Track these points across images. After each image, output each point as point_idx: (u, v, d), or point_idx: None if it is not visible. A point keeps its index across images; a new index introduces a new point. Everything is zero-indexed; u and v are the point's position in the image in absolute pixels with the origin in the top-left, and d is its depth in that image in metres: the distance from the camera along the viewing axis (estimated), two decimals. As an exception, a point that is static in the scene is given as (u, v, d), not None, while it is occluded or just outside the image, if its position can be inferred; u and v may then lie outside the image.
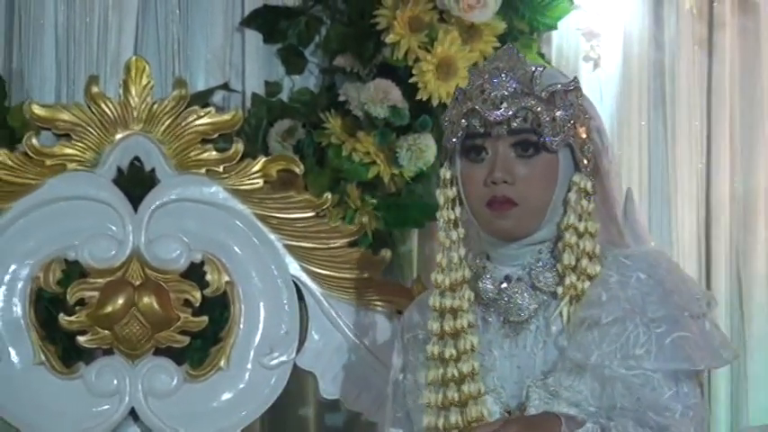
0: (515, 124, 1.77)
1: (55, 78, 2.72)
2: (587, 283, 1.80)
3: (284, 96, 2.69)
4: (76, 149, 2.38)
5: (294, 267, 2.35)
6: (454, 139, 1.80)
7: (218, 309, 2.36)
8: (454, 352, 1.80)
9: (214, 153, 2.39)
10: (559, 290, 1.79)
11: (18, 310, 2.34)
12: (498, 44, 2.57)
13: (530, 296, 1.83)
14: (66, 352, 2.37)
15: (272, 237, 2.34)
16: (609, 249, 1.82)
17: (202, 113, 2.40)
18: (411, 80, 2.55)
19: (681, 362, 1.76)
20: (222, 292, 2.34)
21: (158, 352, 2.34)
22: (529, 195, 1.78)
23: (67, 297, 2.33)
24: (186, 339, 2.33)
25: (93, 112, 2.38)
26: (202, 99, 2.57)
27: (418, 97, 2.55)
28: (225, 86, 2.72)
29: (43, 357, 2.32)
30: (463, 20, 2.56)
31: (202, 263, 2.36)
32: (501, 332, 1.84)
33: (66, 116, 2.38)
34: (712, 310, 1.86)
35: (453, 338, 1.81)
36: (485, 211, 1.79)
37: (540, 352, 1.82)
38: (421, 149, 2.54)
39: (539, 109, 1.78)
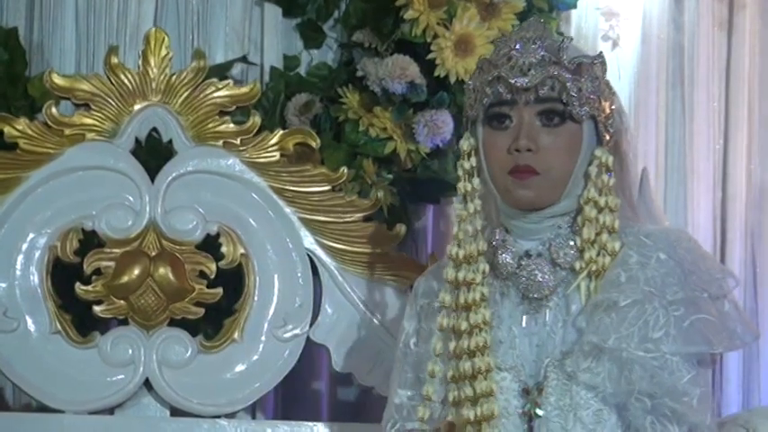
0: (542, 92, 1.75)
1: (75, 49, 2.72)
2: (608, 259, 1.77)
3: (302, 71, 2.68)
4: (95, 119, 2.39)
5: (309, 241, 2.35)
6: (479, 107, 1.78)
7: (233, 281, 2.36)
8: (467, 325, 1.78)
9: (231, 125, 2.40)
10: (578, 265, 1.77)
11: (35, 278, 2.34)
12: (517, 22, 2.55)
13: (550, 272, 1.79)
14: (82, 321, 2.37)
15: (288, 210, 2.35)
16: (630, 227, 1.80)
17: (220, 86, 2.41)
18: (429, 56, 2.53)
19: (699, 345, 1.74)
20: (237, 264, 2.34)
21: (173, 323, 2.34)
22: (551, 165, 1.75)
23: (84, 266, 2.34)
24: (201, 311, 2.34)
25: (112, 83, 2.39)
26: (221, 71, 2.58)
27: (436, 74, 2.53)
28: (243, 59, 2.70)
29: (59, 326, 2.33)
30: None
31: (218, 235, 2.36)
32: (520, 308, 1.81)
33: (85, 86, 2.38)
34: (733, 288, 1.82)
35: (466, 311, 1.78)
36: (506, 179, 1.76)
37: (559, 331, 1.79)
38: (437, 126, 2.50)
39: (566, 78, 1.76)
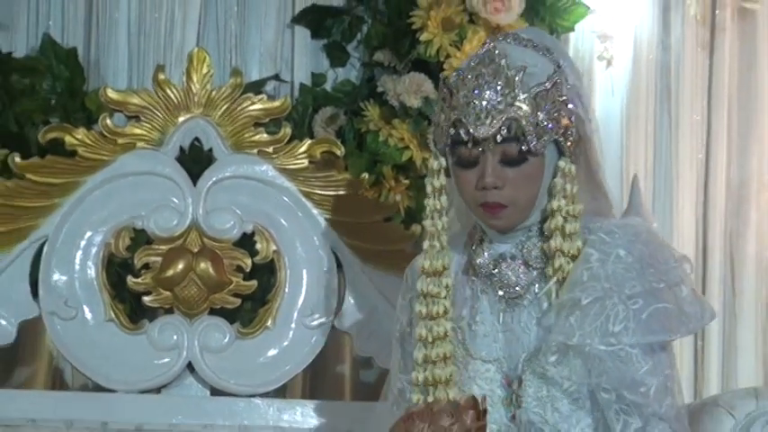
0: (500, 137, 1.68)
1: (127, 67, 2.73)
2: (572, 263, 1.71)
3: (328, 87, 2.70)
4: (144, 130, 2.40)
5: (334, 239, 2.34)
6: (444, 142, 1.71)
7: (266, 274, 2.38)
8: (431, 335, 1.73)
9: (265, 135, 2.40)
10: (549, 270, 1.72)
11: (92, 272, 2.35)
12: None
13: (523, 273, 1.75)
14: (133, 310, 2.40)
15: (315, 211, 2.35)
16: (595, 222, 1.74)
17: (255, 100, 2.41)
18: (442, 74, 2.42)
19: (658, 334, 1.69)
20: (270, 259, 2.34)
21: (213, 312, 2.35)
22: (517, 197, 1.70)
23: (134, 261, 2.35)
24: (238, 301, 2.35)
25: (159, 97, 2.40)
26: (256, 88, 2.59)
27: (449, 90, 2.52)
28: (276, 77, 2.72)
29: (113, 315, 2.35)
30: (490, 21, 2.57)
31: (253, 233, 2.36)
32: (497, 306, 1.76)
33: (136, 100, 2.40)
34: (689, 273, 1.77)
35: (431, 321, 1.74)
36: (478, 209, 1.72)
37: (533, 328, 1.74)
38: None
39: (522, 118, 1.68)
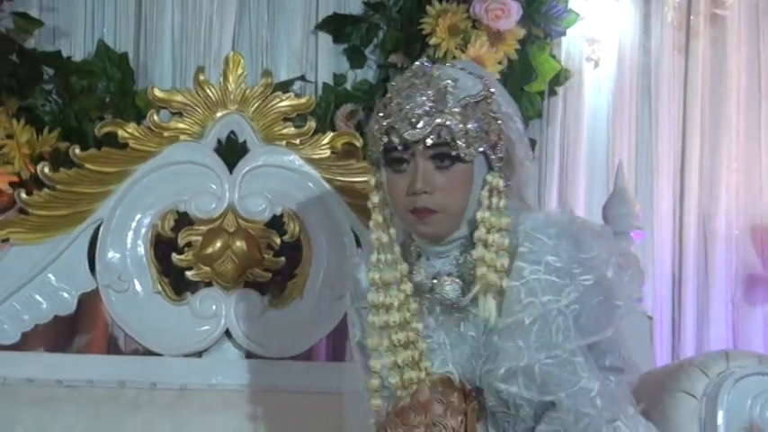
0: (431, 141, 1.57)
1: (171, 69, 2.70)
2: (501, 275, 1.58)
3: (348, 86, 2.67)
4: (186, 124, 2.40)
5: (353, 219, 2.33)
6: (378, 151, 1.60)
7: (294, 251, 2.37)
8: (386, 343, 1.62)
9: (292, 129, 2.40)
10: (476, 288, 1.59)
11: (141, 250, 2.35)
12: (519, 47, 2.56)
13: (461, 288, 1.62)
14: (177, 284, 2.39)
15: (337, 195, 2.35)
16: (520, 223, 1.60)
17: (284, 98, 2.42)
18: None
19: (595, 334, 1.58)
20: (297, 238, 2.34)
21: (247, 285, 2.35)
22: (447, 202, 1.58)
23: (178, 240, 2.35)
24: (268, 275, 2.35)
25: (199, 96, 2.40)
26: (284, 87, 2.57)
27: (453, 87, 2.48)
28: (302, 77, 2.70)
29: (159, 288, 2.35)
30: (491, 27, 2.55)
31: (282, 215, 2.36)
32: (445, 322, 1.64)
33: (179, 98, 2.40)
34: (611, 235, 1.67)
35: (387, 330, 1.62)
36: (409, 216, 1.60)
37: (481, 338, 1.62)
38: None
39: (452, 124, 1.56)
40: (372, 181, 1.64)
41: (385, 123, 1.59)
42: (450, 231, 1.61)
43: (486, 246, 1.58)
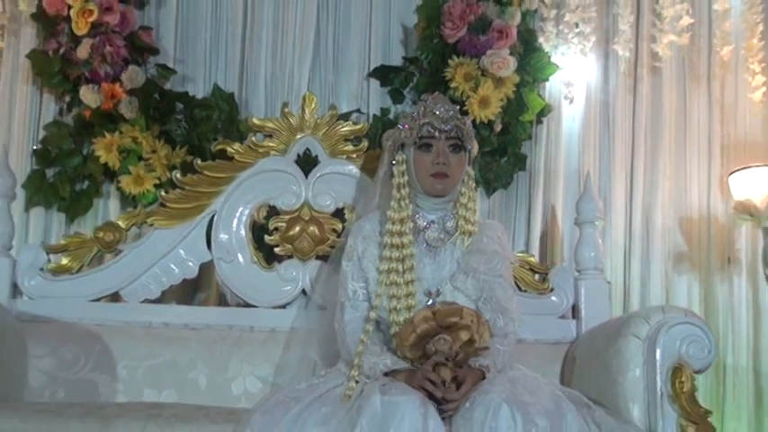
0: (452, 133, 1.97)
1: (264, 103, 2.78)
2: (471, 227, 1.93)
3: (391, 116, 2.74)
4: (275, 143, 2.50)
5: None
6: (413, 137, 1.94)
7: None
8: (401, 266, 1.92)
9: (351, 147, 2.51)
10: (457, 232, 1.98)
11: (243, 233, 2.46)
12: (515, 89, 2.65)
13: (441, 234, 1.97)
14: (268, 256, 2.49)
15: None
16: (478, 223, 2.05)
17: (345, 125, 2.52)
18: (464, 108, 2.61)
19: (508, 269, 1.98)
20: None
21: (318, 257, 2.46)
22: (454, 173, 1.99)
23: (269, 226, 2.47)
24: (332, 251, 2.39)
25: (284, 123, 2.50)
26: (345, 117, 2.63)
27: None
28: (358, 110, 2.77)
29: (255, 259, 2.46)
30: (495, 75, 2.63)
31: (343, 208, 2.48)
32: (427, 252, 1.96)
33: (270, 125, 2.51)
34: (515, 260, 2.12)
35: (399, 250, 1.91)
36: (430, 179, 1.97)
37: (448, 265, 1.97)
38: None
39: (462, 126, 1.97)
40: (400, 159, 1.98)
41: (423, 120, 1.98)
42: (450, 191, 2.02)
43: (464, 207, 2.01)
